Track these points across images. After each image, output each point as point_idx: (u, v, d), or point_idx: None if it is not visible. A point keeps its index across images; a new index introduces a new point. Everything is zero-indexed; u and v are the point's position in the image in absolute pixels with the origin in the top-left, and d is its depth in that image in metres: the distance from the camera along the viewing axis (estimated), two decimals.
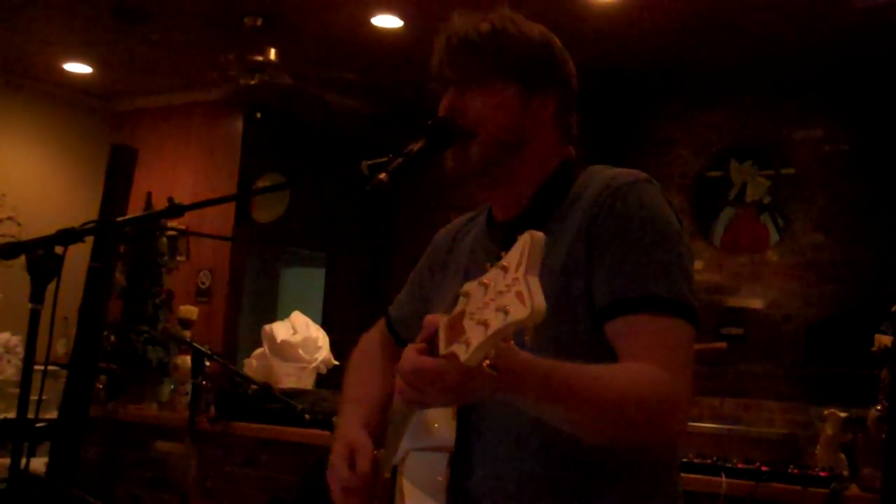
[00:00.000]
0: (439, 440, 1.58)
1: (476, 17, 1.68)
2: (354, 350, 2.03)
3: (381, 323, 2.02)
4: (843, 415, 3.56)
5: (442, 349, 1.23)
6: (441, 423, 1.58)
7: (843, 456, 3.49)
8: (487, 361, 1.17)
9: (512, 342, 1.20)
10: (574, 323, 1.52)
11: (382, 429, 1.78)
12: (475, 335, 1.15)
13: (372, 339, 2.02)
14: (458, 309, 1.22)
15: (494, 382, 1.24)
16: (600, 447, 1.48)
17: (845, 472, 3.41)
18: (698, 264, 7.06)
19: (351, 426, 1.76)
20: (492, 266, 1.17)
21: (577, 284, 1.53)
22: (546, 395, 1.34)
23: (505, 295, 1.11)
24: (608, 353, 1.49)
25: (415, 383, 1.28)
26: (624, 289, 1.50)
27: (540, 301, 1.08)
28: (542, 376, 1.31)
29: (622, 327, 1.49)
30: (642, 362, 1.44)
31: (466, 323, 1.17)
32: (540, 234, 1.13)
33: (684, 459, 3.50)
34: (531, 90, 1.66)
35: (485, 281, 1.17)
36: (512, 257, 1.14)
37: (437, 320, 1.29)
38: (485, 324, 1.13)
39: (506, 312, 1.10)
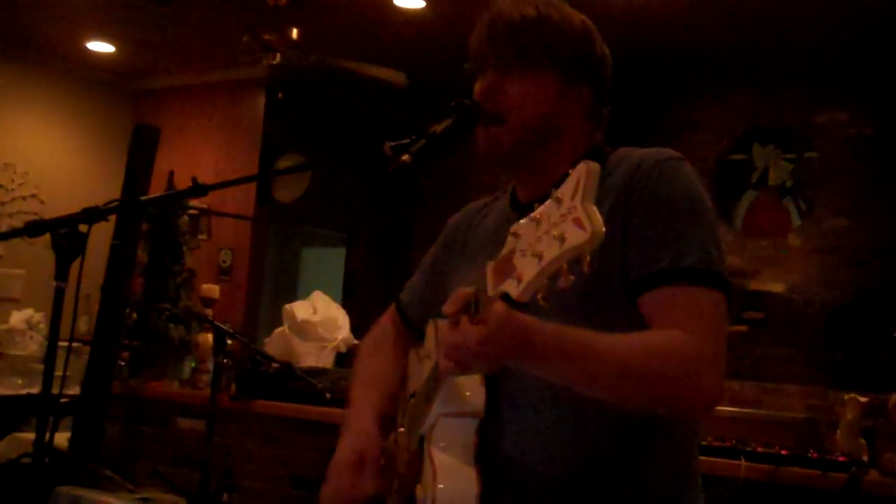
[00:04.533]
0: (469, 406, 1.59)
1: (520, 1, 1.67)
2: (365, 339, 2.04)
3: (392, 310, 2.03)
4: (863, 400, 3.55)
5: (490, 291, 1.23)
6: (470, 389, 1.59)
7: (862, 441, 3.48)
8: (542, 294, 1.15)
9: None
10: (608, 296, 1.52)
11: (394, 413, 1.80)
12: (528, 269, 1.13)
13: (383, 327, 2.02)
14: (505, 250, 1.20)
15: (513, 338, 1.27)
16: (626, 417, 1.50)
17: (865, 457, 3.40)
18: None
19: (362, 419, 1.77)
20: (540, 204, 1.15)
21: (613, 259, 1.52)
22: (559, 354, 1.35)
23: (560, 224, 1.10)
24: (640, 328, 1.48)
25: (451, 356, 1.31)
26: (658, 262, 1.50)
27: (599, 223, 1.06)
28: (554, 334, 1.33)
29: (657, 299, 1.50)
30: (672, 330, 1.45)
31: (517, 260, 1.16)
32: (595, 164, 1.11)
33: (703, 443, 3.50)
34: (569, 81, 1.66)
35: (536, 216, 1.15)
36: (566, 188, 1.12)
37: (467, 291, 1.30)
38: (539, 255, 1.11)
39: (562, 240, 1.08)
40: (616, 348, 1.39)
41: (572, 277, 1.12)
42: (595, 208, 1.08)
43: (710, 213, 1.57)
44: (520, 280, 1.14)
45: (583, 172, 1.11)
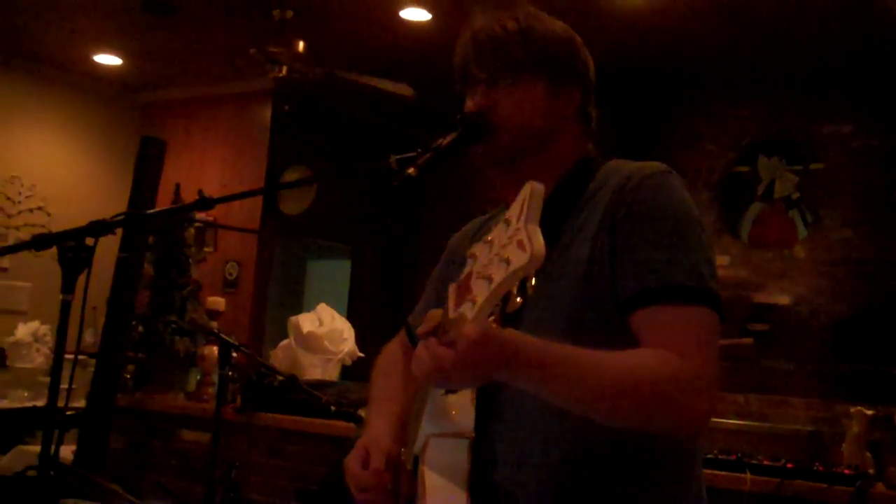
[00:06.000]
0: (458, 426, 1.56)
1: (500, 14, 1.69)
2: (376, 361, 2.03)
3: (402, 333, 2.03)
4: (869, 412, 3.55)
5: (451, 312, 1.24)
6: (460, 409, 1.57)
7: (869, 454, 3.47)
8: (493, 316, 1.18)
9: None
10: (599, 313, 1.52)
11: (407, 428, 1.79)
12: (480, 291, 1.15)
13: (393, 350, 2.02)
14: (465, 271, 1.22)
15: (494, 356, 1.25)
16: (620, 435, 1.47)
17: (871, 471, 3.39)
18: (725, 259, 7.03)
19: (375, 425, 1.76)
20: (496, 225, 1.18)
21: (603, 275, 1.52)
22: (542, 370, 1.33)
23: (507, 247, 1.12)
24: (632, 344, 1.47)
25: (427, 377, 1.30)
26: (647, 280, 1.49)
27: (539, 246, 1.08)
28: (539, 349, 1.32)
29: (645, 318, 1.48)
30: (660, 350, 1.43)
31: (473, 282, 1.18)
32: (539, 185, 1.14)
33: (709, 456, 3.49)
34: (558, 85, 1.68)
35: (489, 238, 1.18)
36: (513, 210, 1.14)
37: (436, 313, 1.31)
38: (489, 278, 1.13)
39: (507, 263, 1.10)
40: (603, 367, 1.38)
41: (520, 300, 1.15)
42: (538, 229, 1.10)
43: (698, 228, 1.56)
44: (474, 303, 1.16)
45: (527, 193, 1.13)
